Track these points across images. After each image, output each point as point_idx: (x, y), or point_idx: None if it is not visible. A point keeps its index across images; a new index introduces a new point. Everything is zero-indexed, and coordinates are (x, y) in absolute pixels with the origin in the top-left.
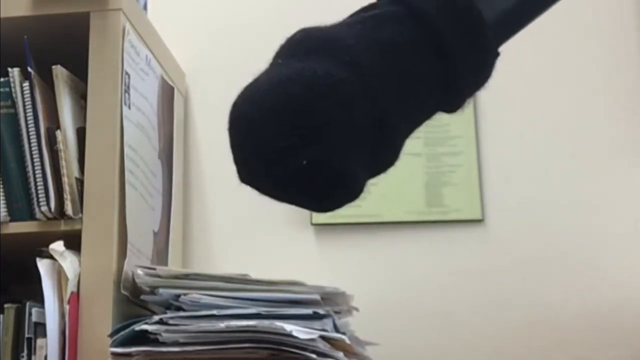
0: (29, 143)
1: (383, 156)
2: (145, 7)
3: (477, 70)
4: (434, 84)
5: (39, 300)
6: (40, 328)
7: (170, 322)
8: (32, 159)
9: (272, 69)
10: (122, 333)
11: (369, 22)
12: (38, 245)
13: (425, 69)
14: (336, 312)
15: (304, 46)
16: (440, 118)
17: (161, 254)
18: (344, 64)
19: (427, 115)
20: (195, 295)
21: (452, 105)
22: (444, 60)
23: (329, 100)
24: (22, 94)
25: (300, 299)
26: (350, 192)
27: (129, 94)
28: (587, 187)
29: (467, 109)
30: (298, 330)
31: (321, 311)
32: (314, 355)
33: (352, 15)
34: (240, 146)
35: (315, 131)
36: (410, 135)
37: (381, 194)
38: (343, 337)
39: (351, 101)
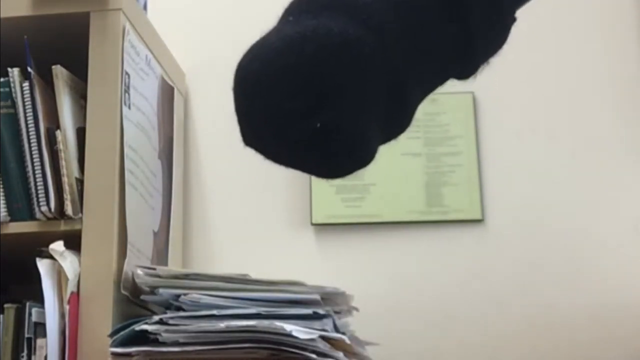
0: (29, 143)
1: (396, 121)
2: (145, 7)
3: (493, 33)
4: (450, 47)
5: (39, 300)
6: (40, 328)
7: (170, 322)
8: (32, 159)
9: (282, 26)
10: (122, 333)
11: None
12: (38, 245)
13: (442, 30)
14: (336, 312)
15: (318, 2)
16: (441, 118)
17: (161, 254)
18: (361, 22)
19: (441, 80)
20: (195, 295)
21: (466, 70)
22: (461, 22)
23: (345, 60)
24: (22, 94)
25: (300, 299)
26: (362, 157)
27: (129, 94)
28: (587, 187)
29: (467, 110)
30: (298, 330)
31: (321, 311)
32: (314, 355)
33: None
34: (248, 107)
35: (329, 93)
36: (422, 101)
37: (381, 194)
38: (343, 337)
39: (367, 62)
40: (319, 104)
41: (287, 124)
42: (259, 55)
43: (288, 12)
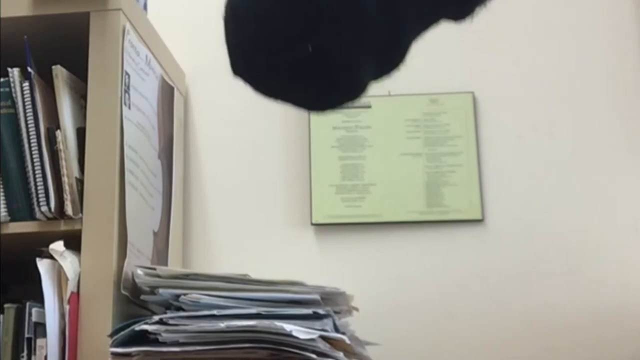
0: (29, 143)
1: (390, 55)
2: (145, 7)
3: None
4: None
5: (39, 300)
6: (40, 328)
7: (170, 322)
8: (32, 159)
9: None
10: (122, 333)
11: None
12: (38, 245)
13: None
14: (336, 312)
15: None
16: (440, 118)
17: (161, 254)
18: None
19: (436, 15)
20: (195, 295)
21: (463, 9)
22: None
23: None
24: (22, 94)
25: (300, 299)
26: (353, 86)
27: (129, 94)
28: (587, 187)
29: (467, 110)
30: (298, 330)
31: (321, 311)
32: (314, 355)
33: None
34: (239, 32)
35: (323, 18)
36: (417, 38)
37: (381, 194)
38: (343, 337)
39: None
40: (312, 27)
41: (279, 48)
42: None
43: None
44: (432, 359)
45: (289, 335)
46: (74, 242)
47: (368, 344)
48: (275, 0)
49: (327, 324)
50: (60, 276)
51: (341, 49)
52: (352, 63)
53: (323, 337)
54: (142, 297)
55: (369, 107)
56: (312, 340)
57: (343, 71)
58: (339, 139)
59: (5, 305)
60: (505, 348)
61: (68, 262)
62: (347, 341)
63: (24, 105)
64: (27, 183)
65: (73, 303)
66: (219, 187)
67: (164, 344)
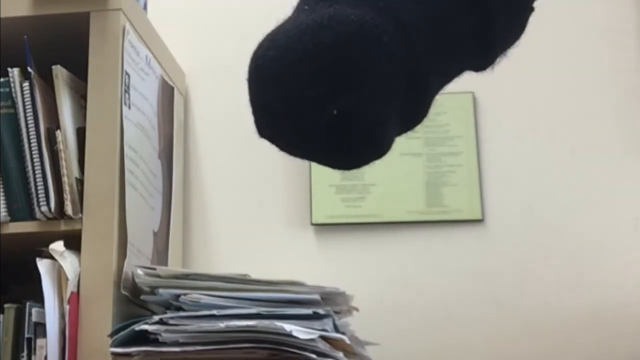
0: (29, 143)
1: (414, 111)
2: (145, 7)
3: (512, 24)
4: (469, 37)
5: (39, 300)
6: (40, 328)
7: (170, 322)
8: (32, 159)
9: (298, 14)
10: (122, 333)
11: None
12: (38, 245)
13: (462, 20)
14: (336, 312)
15: None
16: (440, 118)
17: (161, 254)
18: (378, 10)
19: (459, 70)
20: (195, 295)
21: (484, 61)
22: (481, 12)
23: (363, 47)
24: (22, 94)
25: (300, 299)
26: (379, 146)
27: (129, 94)
28: (587, 187)
29: (467, 110)
30: (298, 330)
31: (321, 311)
32: (314, 355)
33: None
34: (265, 95)
35: (347, 80)
36: (439, 92)
37: (381, 194)
38: (343, 337)
39: (385, 49)
40: (336, 90)
41: (304, 111)
42: (275, 43)
43: (304, 1)
44: (432, 359)
45: (289, 335)
46: (74, 242)
47: (368, 344)
48: (300, 62)
49: (327, 324)
50: (60, 276)
51: (365, 110)
52: (376, 122)
53: (323, 337)
54: (142, 297)
55: None
56: (312, 340)
57: (368, 132)
58: None
59: (5, 305)
60: (505, 348)
61: (68, 262)
62: (347, 341)
63: (24, 105)
64: (27, 183)
65: (73, 303)
66: (219, 187)
67: (164, 344)
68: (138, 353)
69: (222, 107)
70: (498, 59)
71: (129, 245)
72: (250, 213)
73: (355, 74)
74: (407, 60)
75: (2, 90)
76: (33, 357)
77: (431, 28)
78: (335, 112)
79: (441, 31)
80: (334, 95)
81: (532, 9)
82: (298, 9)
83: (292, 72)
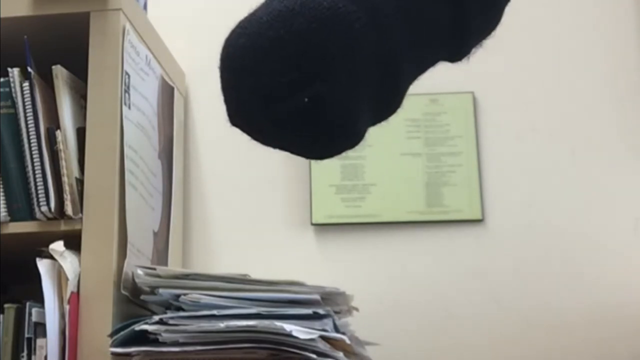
0: (29, 143)
1: (387, 101)
2: (145, 7)
3: (487, 14)
4: (442, 25)
5: (39, 300)
6: (40, 328)
7: (170, 322)
8: (32, 159)
9: (270, 1)
10: (122, 333)
11: None
12: (38, 245)
13: (436, 10)
14: (336, 312)
15: None
16: (440, 118)
17: (161, 254)
18: (353, 2)
19: (433, 60)
20: (195, 295)
21: (459, 52)
22: (455, 2)
23: (335, 33)
24: (22, 94)
25: (300, 299)
26: (351, 136)
27: (129, 94)
28: (587, 186)
29: (467, 110)
30: (298, 330)
31: (321, 311)
32: (314, 355)
33: None
34: (236, 83)
35: (319, 66)
36: (413, 82)
37: (381, 194)
38: (343, 337)
39: (358, 36)
40: (308, 78)
41: (276, 98)
42: (247, 30)
43: None
44: (432, 358)
45: (289, 335)
46: (74, 242)
47: (368, 344)
48: (268, 51)
49: (327, 324)
50: (60, 276)
51: (337, 97)
52: (348, 110)
53: (323, 337)
54: (142, 297)
55: None
56: (312, 340)
57: (340, 120)
58: None
59: (5, 305)
60: (505, 348)
61: (68, 262)
62: (347, 341)
63: (24, 105)
64: (27, 183)
65: (73, 303)
66: (219, 187)
67: (164, 344)
68: (138, 353)
69: (222, 107)
70: (473, 50)
71: (129, 245)
72: (250, 213)
73: (327, 60)
74: (380, 50)
75: (2, 90)
76: (33, 357)
77: (406, 15)
78: (306, 99)
79: (415, 23)
80: (305, 82)
81: (507, 0)
82: None
83: (263, 60)
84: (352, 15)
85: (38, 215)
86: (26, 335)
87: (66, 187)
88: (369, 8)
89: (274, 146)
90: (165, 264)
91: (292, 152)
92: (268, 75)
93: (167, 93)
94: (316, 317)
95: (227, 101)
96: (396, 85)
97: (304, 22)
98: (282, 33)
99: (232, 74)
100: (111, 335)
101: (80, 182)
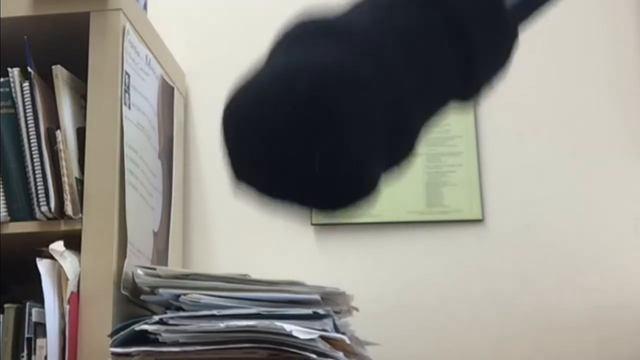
0: (29, 143)
1: (400, 147)
2: (145, 7)
3: (495, 55)
4: (451, 70)
5: (39, 300)
6: (40, 328)
7: (170, 322)
8: (32, 159)
9: (273, 58)
10: (122, 333)
11: (380, 7)
12: (38, 245)
13: (442, 53)
14: (336, 312)
15: (309, 32)
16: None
17: (161, 254)
18: (356, 47)
19: (443, 103)
20: (195, 295)
21: (468, 93)
22: (461, 45)
23: (343, 92)
24: (22, 94)
25: (300, 299)
26: (365, 186)
27: (129, 94)
28: (587, 187)
29: (467, 110)
30: (298, 330)
31: (321, 311)
32: (314, 355)
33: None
34: (241, 144)
35: (328, 121)
36: (426, 125)
37: (381, 194)
38: (343, 337)
39: (367, 92)
40: (317, 133)
41: (286, 156)
42: (251, 90)
43: (278, 43)
44: (432, 358)
45: (289, 335)
46: (74, 242)
47: (368, 344)
48: (276, 109)
49: (327, 324)
50: (60, 276)
51: (349, 151)
52: (362, 163)
53: (323, 337)
54: (142, 297)
55: None
56: (312, 340)
57: (353, 172)
58: None
59: (5, 305)
60: (505, 348)
61: (68, 262)
62: (347, 341)
63: (24, 105)
64: (27, 183)
65: (73, 303)
66: (219, 187)
67: (164, 344)
68: (138, 353)
69: (222, 107)
70: (483, 89)
71: (129, 245)
72: (250, 213)
73: (335, 115)
74: (388, 98)
75: (2, 90)
76: (33, 357)
77: (412, 65)
78: (317, 157)
79: (423, 70)
80: (314, 139)
81: (516, 36)
82: (273, 51)
83: (269, 122)
84: (358, 65)
85: (38, 215)
86: (26, 335)
87: (66, 187)
88: (374, 56)
89: (284, 202)
90: (165, 264)
91: (307, 205)
92: (275, 134)
93: (167, 93)
94: (316, 317)
95: (233, 162)
96: (407, 132)
97: (309, 82)
98: (287, 94)
99: (237, 135)
100: (111, 335)
101: (80, 182)
